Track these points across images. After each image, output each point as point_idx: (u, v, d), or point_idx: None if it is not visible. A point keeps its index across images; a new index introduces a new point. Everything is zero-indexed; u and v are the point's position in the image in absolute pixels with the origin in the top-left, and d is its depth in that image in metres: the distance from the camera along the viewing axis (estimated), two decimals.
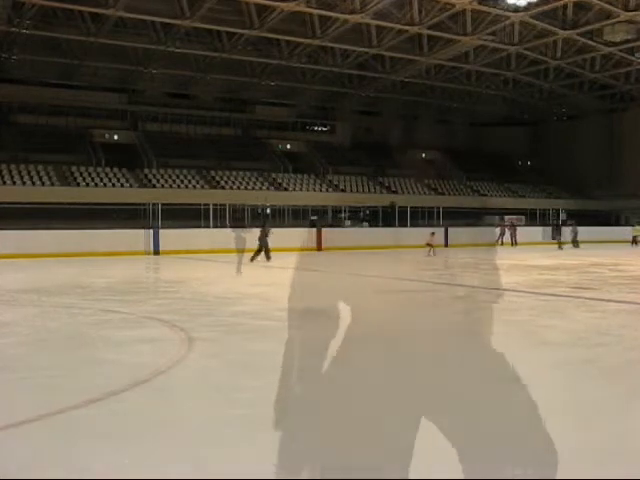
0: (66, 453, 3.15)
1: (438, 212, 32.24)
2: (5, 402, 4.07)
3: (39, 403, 3.95)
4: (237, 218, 25.49)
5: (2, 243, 20.29)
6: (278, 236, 18.89)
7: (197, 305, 8.69)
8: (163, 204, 25.67)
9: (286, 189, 34.85)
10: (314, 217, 29.84)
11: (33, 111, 34.87)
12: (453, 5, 26.38)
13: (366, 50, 31.34)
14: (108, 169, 32.00)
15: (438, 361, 5.28)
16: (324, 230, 27.44)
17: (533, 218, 35.22)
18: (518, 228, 30.59)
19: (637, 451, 3.18)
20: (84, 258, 20.17)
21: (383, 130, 45.19)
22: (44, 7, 25.54)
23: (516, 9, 26.65)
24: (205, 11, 25.80)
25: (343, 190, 36.61)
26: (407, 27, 28.31)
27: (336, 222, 31.16)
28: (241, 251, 16.71)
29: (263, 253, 18.29)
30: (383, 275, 14.00)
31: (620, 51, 31.70)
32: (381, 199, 35.29)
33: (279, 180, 35.86)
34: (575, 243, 29.17)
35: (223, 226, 25.86)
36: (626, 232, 36.37)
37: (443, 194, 39.49)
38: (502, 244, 29.75)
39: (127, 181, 31.56)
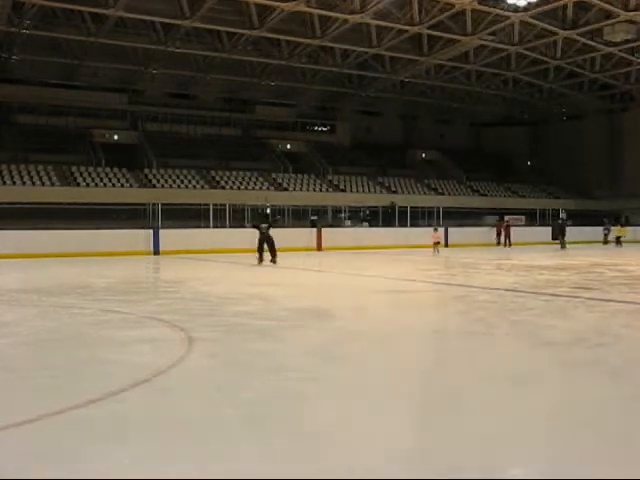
0: (66, 453, 3.16)
1: (438, 212, 32.23)
2: (5, 402, 4.07)
3: (39, 403, 3.95)
4: (259, 215, 24.75)
5: (2, 243, 20.29)
6: (278, 236, 18.89)
7: (197, 305, 8.69)
8: (163, 204, 25.67)
9: (286, 189, 34.87)
10: (314, 217, 29.84)
11: (33, 111, 34.90)
12: (453, 5, 26.39)
13: (366, 50, 31.36)
14: (108, 169, 32.02)
15: (438, 361, 5.29)
16: (324, 230, 27.44)
17: (533, 218, 35.21)
18: (512, 228, 30.50)
19: (637, 451, 3.18)
20: (84, 258, 20.18)
21: (383, 130, 45.22)
22: (44, 7, 25.57)
23: (516, 9, 26.67)
24: (205, 11, 25.82)
25: (343, 190, 36.64)
26: (407, 27, 28.33)
27: (336, 222, 31.16)
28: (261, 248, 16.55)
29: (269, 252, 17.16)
30: (383, 275, 14.00)
31: (620, 51, 31.72)
32: (381, 199, 35.31)
33: (279, 180, 35.88)
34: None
35: (223, 226, 25.87)
36: (628, 232, 36.39)
37: (443, 194, 39.50)
38: (498, 244, 29.75)
39: (127, 181, 31.58)
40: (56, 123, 35.13)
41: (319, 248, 26.60)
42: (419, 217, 31.51)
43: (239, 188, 33.53)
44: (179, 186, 32.44)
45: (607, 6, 26.45)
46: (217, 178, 34.32)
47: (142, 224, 25.27)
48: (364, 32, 29.70)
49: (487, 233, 31.31)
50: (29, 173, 29.69)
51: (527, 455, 3.17)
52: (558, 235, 27.88)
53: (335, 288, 11.57)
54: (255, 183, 34.75)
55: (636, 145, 41.51)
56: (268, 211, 28.54)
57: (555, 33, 29.55)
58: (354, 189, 37.13)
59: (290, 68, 34.69)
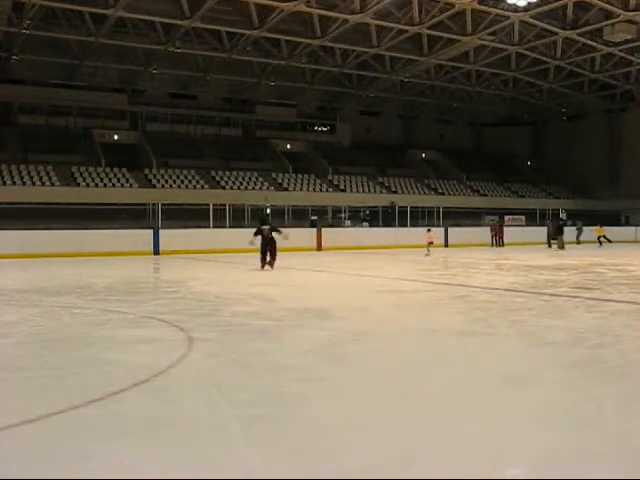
0: (66, 453, 3.16)
1: (438, 212, 32.24)
2: (5, 402, 4.07)
3: (39, 403, 3.95)
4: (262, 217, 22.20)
5: (2, 243, 20.30)
6: (278, 235, 18.87)
7: (197, 305, 8.69)
8: (163, 204, 25.69)
9: (286, 189, 34.89)
10: (314, 217, 29.85)
11: (33, 111, 34.93)
12: (453, 5, 26.40)
13: (366, 50, 31.37)
14: (109, 169, 32.04)
15: (438, 361, 5.29)
16: (324, 230, 27.45)
17: (533, 218, 35.22)
18: (511, 228, 30.45)
19: (637, 451, 3.19)
20: (84, 258, 20.18)
21: (383, 130, 45.23)
22: (44, 7, 25.57)
23: (516, 9, 26.67)
24: (205, 11, 25.82)
25: (343, 190, 36.65)
26: (407, 27, 28.34)
27: (336, 222, 31.17)
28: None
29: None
30: (383, 275, 14.00)
31: (620, 51, 31.71)
32: (381, 199, 35.33)
33: (279, 180, 35.89)
34: (551, 244, 28.86)
35: (223, 226, 25.89)
36: (629, 232, 36.43)
37: (443, 194, 39.51)
38: (493, 244, 29.67)
39: (127, 181, 31.59)
40: (56, 123, 35.15)
41: (319, 248, 26.61)
42: (419, 217, 31.52)
43: (239, 188, 33.54)
44: (179, 186, 32.45)
45: (607, 6, 26.45)
46: (217, 178, 34.33)
47: (142, 224, 25.30)
48: (364, 32, 29.71)
49: (487, 233, 31.32)
50: (29, 173, 29.70)
51: (527, 455, 3.17)
52: (556, 235, 27.82)
53: (335, 288, 11.57)
54: (255, 183, 34.75)
55: (636, 145, 41.52)
56: (268, 211, 28.55)
57: (555, 33, 29.56)
58: (354, 189, 37.14)
59: (290, 68, 34.70)
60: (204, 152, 37.77)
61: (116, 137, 35.95)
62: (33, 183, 29.06)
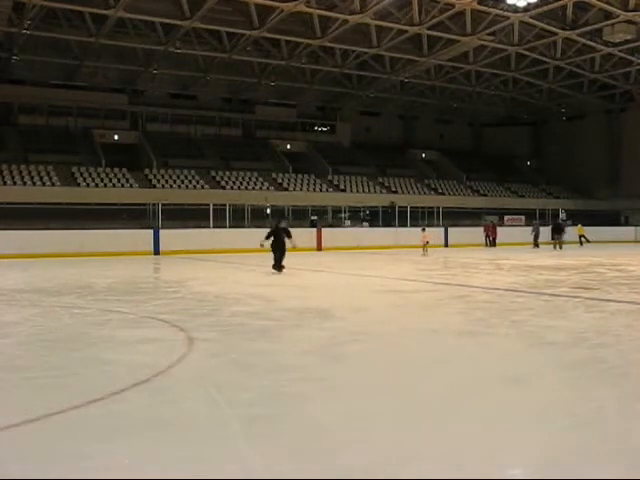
0: (66, 453, 3.16)
1: (438, 212, 32.24)
2: (5, 402, 4.08)
3: (39, 403, 3.95)
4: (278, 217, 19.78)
5: (2, 243, 20.31)
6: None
7: (197, 305, 8.69)
8: (164, 204, 25.70)
9: (286, 189, 34.88)
10: (314, 217, 29.86)
11: (33, 111, 34.92)
12: (453, 5, 26.39)
13: (366, 50, 31.36)
14: (109, 169, 32.03)
15: (438, 361, 5.30)
16: (324, 230, 27.45)
17: (533, 218, 35.21)
18: (509, 228, 30.35)
19: (637, 451, 3.19)
20: (84, 258, 20.19)
21: (383, 130, 45.23)
22: (45, 7, 25.54)
23: (516, 9, 26.65)
24: (205, 11, 25.80)
25: (343, 190, 36.64)
26: (407, 27, 28.32)
27: (336, 222, 31.17)
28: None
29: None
30: (383, 275, 14.00)
31: (620, 51, 31.70)
32: (381, 199, 35.33)
33: (279, 180, 35.89)
34: (536, 244, 28.74)
35: (223, 226, 25.90)
36: (629, 232, 36.43)
37: (443, 194, 39.51)
38: (486, 245, 29.52)
39: (127, 181, 31.58)
40: (57, 123, 35.15)
41: (319, 248, 26.61)
42: (419, 217, 31.52)
43: (239, 188, 33.53)
44: (179, 186, 32.45)
45: (607, 6, 26.43)
46: (217, 178, 34.33)
47: (142, 224, 25.31)
48: (364, 32, 29.69)
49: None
50: (29, 173, 29.69)
51: (527, 455, 3.17)
52: (555, 235, 27.79)
53: (335, 288, 11.57)
54: (255, 183, 34.75)
55: (636, 145, 41.50)
56: (268, 211, 28.51)
57: (555, 33, 29.54)
58: (354, 189, 37.14)
59: (290, 68, 34.69)
60: (204, 152, 37.77)
61: (116, 137, 35.94)
62: (33, 183, 29.05)
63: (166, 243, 23.27)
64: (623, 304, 8.56)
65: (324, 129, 43.98)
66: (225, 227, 26.00)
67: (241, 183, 34.35)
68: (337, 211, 32.31)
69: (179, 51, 30.75)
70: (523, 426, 3.57)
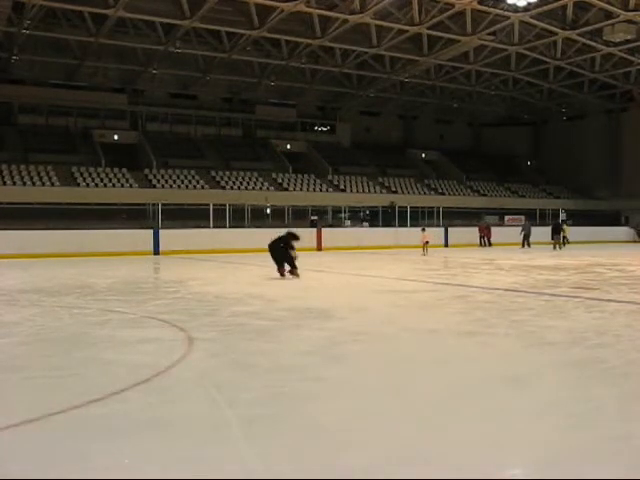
0: (66, 453, 3.16)
1: (438, 212, 32.24)
2: (5, 402, 4.08)
3: (39, 403, 3.95)
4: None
5: (2, 243, 20.31)
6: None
7: (197, 305, 8.69)
8: (163, 204, 25.70)
9: (286, 189, 34.89)
10: (314, 217, 29.85)
11: (34, 111, 34.93)
12: (453, 5, 26.40)
13: (366, 50, 31.38)
14: (109, 169, 32.04)
15: (438, 361, 5.30)
16: (324, 230, 27.46)
17: (533, 218, 35.23)
18: (507, 228, 30.26)
19: (637, 451, 3.19)
20: (84, 258, 20.19)
21: (383, 130, 45.24)
22: (44, 7, 25.56)
23: (516, 9, 26.67)
24: (205, 11, 25.82)
25: (343, 190, 36.65)
26: (407, 27, 28.34)
27: (336, 222, 31.17)
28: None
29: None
30: (383, 275, 14.00)
31: (620, 51, 31.70)
32: (381, 199, 35.33)
33: (279, 180, 35.88)
34: (527, 244, 28.61)
35: (223, 226, 25.90)
36: (629, 232, 36.41)
37: (443, 194, 39.51)
38: (480, 245, 29.41)
39: (127, 181, 31.59)
40: (56, 123, 35.16)
41: (319, 248, 26.62)
42: (419, 217, 31.52)
43: (239, 188, 33.53)
44: (179, 186, 32.45)
45: (607, 6, 26.44)
46: (217, 178, 34.33)
47: (142, 224, 25.31)
48: (364, 32, 29.71)
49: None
50: (29, 173, 29.70)
51: (527, 455, 3.17)
52: (554, 235, 27.75)
53: (335, 288, 11.57)
54: (255, 183, 34.75)
55: (636, 145, 41.51)
56: (268, 212, 28.44)
57: (555, 33, 29.55)
58: (354, 189, 37.14)
59: (290, 68, 34.71)
60: (204, 152, 37.78)
61: (116, 137, 35.94)
62: (33, 183, 29.05)
63: (166, 243, 23.26)
64: (623, 304, 8.56)
65: (324, 129, 43.98)
66: (225, 227, 26.00)
67: (241, 183, 34.35)
68: (337, 211, 32.31)
69: (179, 51, 30.76)
70: (523, 426, 3.57)
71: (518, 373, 4.79)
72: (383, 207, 33.07)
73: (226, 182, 34.03)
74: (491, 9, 26.90)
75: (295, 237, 13.21)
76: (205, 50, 31.44)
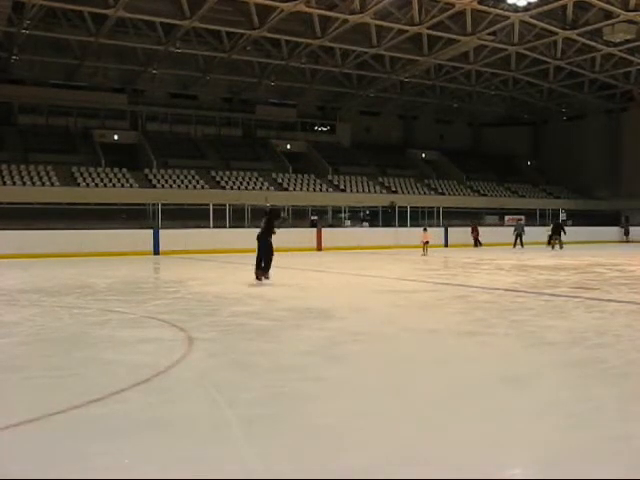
0: (66, 453, 3.16)
1: (438, 212, 32.24)
2: (5, 402, 4.08)
3: (39, 403, 3.96)
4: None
5: (2, 243, 20.32)
6: (278, 236, 18.88)
7: (197, 305, 8.69)
8: (163, 204, 25.70)
9: (286, 189, 34.88)
10: (314, 217, 29.85)
11: (33, 111, 34.92)
12: (453, 5, 26.40)
13: (366, 50, 31.38)
14: (109, 169, 32.03)
15: (438, 361, 5.30)
16: (324, 230, 27.46)
17: (533, 218, 35.23)
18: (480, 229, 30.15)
19: (637, 451, 3.19)
20: (84, 258, 20.19)
21: (383, 130, 45.23)
22: (44, 7, 25.56)
23: (516, 9, 26.67)
24: (205, 11, 25.82)
25: (343, 190, 36.64)
26: (407, 27, 28.34)
27: (336, 222, 31.17)
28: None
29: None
30: (383, 275, 14.00)
31: (620, 51, 31.70)
32: (381, 199, 35.33)
33: (279, 180, 35.88)
34: (520, 243, 28.53)
35: (223, 226, 25.89)
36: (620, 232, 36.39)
37: (443, 194, 39.51)
38: (479, 245, 29.24)
39: (127, 181, 31.58)
40: (56, 123, 35.15)
41: (319, 248, 26.62)
42: (419, 217, 31.52)
43: (239, 188, 33.53)
44: (179, 186, 32.45)
45: (607, 6, 26.44)
46: (217, 178, 34.33)
47: (142, 224, 25.31)
48: (364, 32, 29.70)
49: (487, 233, 31.30)
50: (29, 173, 29.69)
51: (527, 455, 3.17)
52: (554, 235, 27.71)
53: (335, 288, 11.57)
54: (255, 183, 34.76)
55: (636, 145, 41.52)
56: (269, 206, 28.35)
57: (555, 33, 29.55)
58: (354, 189, 37.14)
59: (290, 68, 34.71)
60: (204, 152, 37.77)
61: (116, 137, 35.93)
62: (33, 183, 29.05)
63: (166, 243, 23.27)
64: (623, 304, 8.56)
65: (324, 129, 43.98)
66: (225, 227, 26.00)
67: (241, 183, 34.35)
68: (337, 211, 32.31)
69: (179, 51, 30.76)
70: (523, 426, 3.57)
71: (518, 373, 4.79)
72: (383, 207, 33.07)
73: (226, 182, 34.03)
74: (491, 9, 26.90)
75: (277, 216, 12.56)
76: (205, 50, 31.44)
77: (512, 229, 29.87)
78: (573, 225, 35.40)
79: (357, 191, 36.94)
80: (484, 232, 30.77)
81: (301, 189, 35.32)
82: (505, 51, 32.47)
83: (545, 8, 26.78)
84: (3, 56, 31.00)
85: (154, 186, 31.60)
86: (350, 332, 6.48)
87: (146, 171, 32.98)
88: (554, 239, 27.35)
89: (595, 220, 37.82)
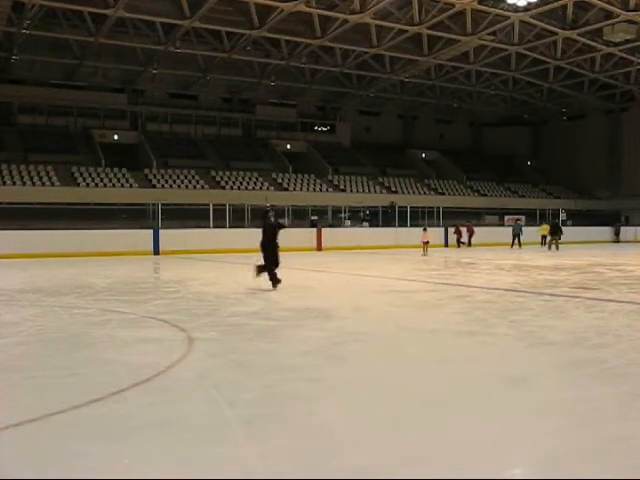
0: (66, 453, 3.16)
1: (438, 212, 32.23)
2: (5, 402, 4.07)
3: (39, 403, 3.95)
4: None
5: (2, 243, 20.30)
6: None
7: (197, 305, 8.69)
8: (163, 204, 25.69)
9: (286, 189, 34.88)
10: (314, 217, 29.84)
11: (33, 111, 34.91)
12: (453, 5, 26.39)
13: (366, 50, 31.37)
14: (108, 169, 32.02)
15: (438, 361, 5.30)
16: (324, 230, 27.45)
17: (533, 218, 35.22)
18: (475, 229, 30.07)
19: (637, 451, 3.19)
20: (84, 258, 20.18)
21: (383, 130, 45.23)
22: (44, 7, 25.55)
23: (516, 9, 26.66)
24: (205, 11, 25.81)
25: (343, 190, 36.64)
26: (407, 27, 28.33)
27: (336, 222, 31.16)
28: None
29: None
30: (383, 275, 14.00)
31: (620, 51, 31.70)
32: (381, 199, 35.31)
33: (280, 180, 35.88)
34: (518, 243, 28.48)
35: (223, 226, 25.88)
36: (629, 232, 36.40)
37: (443, 194, 39.50)
38: (463, 245, 29.07)
39: (127, 181, 31.58)
40: (56, 123, 35.14)
41: (319, 248, 26.62)
42: (419, 217, 31.50)
43: (239, 188, 33.52)
44: (179, 186, 32.44)
45: (607, 6, 26.43)
46: (217, 178, 34.32)
47: (142, 224, 25.29)
48: (364, 32, 29.69)
49: (487, 233, 31.29)
50: (29, 173, 29.69)
51: (527, 455, 3.17)
52: (553, 235, 27.66)
53: (335, 288, 11.57)
54: (255, 183, 34.75)
55: (636, 145, 41.51)
56: (268, 206, 28.34)
57: (555, 33, 29.54)
58: (354, 189, 37.14)
59: (290, 68, 34.70)
60: (204, 152, 37.76)
61: (116, 137, 35.91)
62: (33, 183, 29.04)
63: (166, 243, 23.25)
64: (623, 304, 8.56)
65: (324, 129, 43.97)
66: (225, 227, 25.99)
67: (241, 183, 34.35)
68: (337, 211, 32.30)
69: (179, 51, 30.75)
70: (523, 426, 3.57)
71: (518, 373, 4.79)
72: (383, 207, 33.06)
73: (226, 182, 34.02)
74: (491, 9, 26.89)
75: (282, 227, 11.62)
76: (205, 50, 31.43)
77: (510, 229, 29.84)
78: (573, 225, 35.39)
79: (357, 191, 36.93)
80: (485, 232, 30.74)
81: (301, 189, 35.31)
82: (505, 51, 32.47)
83: (545, 8, 26.77)
84: (3, 56, 30.99)
85: (154, 186, 31.60)
86: (350, 332, 6.48)
87: (146, 171, 32.97)
88: (553, 239, 27.33)
89: (595, 220, 37.81)
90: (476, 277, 13.36)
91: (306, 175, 37.14)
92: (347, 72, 35.89)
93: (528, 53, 32.59)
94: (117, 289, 10.92)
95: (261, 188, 34.16)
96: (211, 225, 25.69)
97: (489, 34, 29.38)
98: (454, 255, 22.52)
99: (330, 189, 36.38)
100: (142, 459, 3.08)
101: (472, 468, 2.96)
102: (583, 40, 30.47)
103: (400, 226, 30.06)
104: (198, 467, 2.93)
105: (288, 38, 29.89)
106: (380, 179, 39.55)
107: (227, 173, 35.05)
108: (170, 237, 23.65)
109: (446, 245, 29.67)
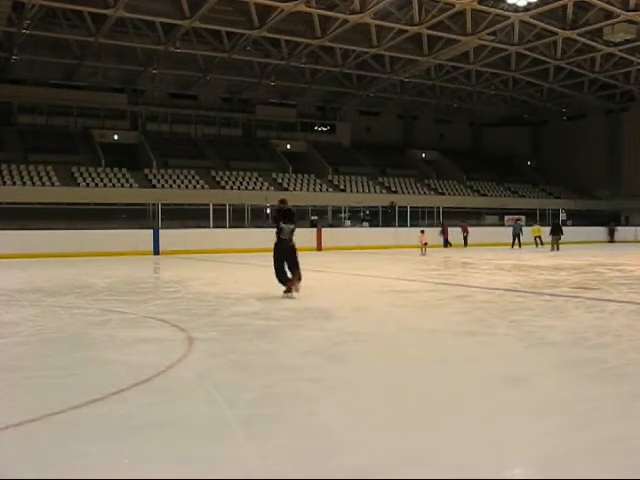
0: (66, 453, 3.16)
1: (438, 212, 32.23)
2: (5, 402, 4.07)
3: (39, 403, 3.95)
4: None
5: (2, 243, 20.30)
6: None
7: (197, 305, 8.69)
8: (163, 204, 25.68)
9: (286, 189, 34.86)
10: (314, 217, 29.84)
11: (33, 111, 34.90)
12: (453, 5, 26.38)
13: (366, 50, 31.37)
14: (108, 169, 32.02)
15: (438, 361, 5.30)
16: (324, 230, 27.45)
17: (533, 218, 35.21)
18: (469, 228, 30.06)
19: (637, 451, 3.19)
20: (84, 258, 20.18)
21: (383, 130, 45.22)
22: (44, 7, 25.55)
23: (516, 9, 26.66)
24: (205, 11, 25.81)
25: (343, 190, 36.64)
26: (407, 27, 28.33)
27: (336, 222, 31.16)
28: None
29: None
30: (383, 275, 14.00)
31: (620, 51, 31.69)
32: (381, 199, 35.31)
33: (279, 180, 35.88)
34: (518, 244, 28.49)
35: (223, 226, 25.88)
36: (629, 232, 36.40)
37: (443, 194, 39.49)
38: (449, 245, 29.01)
39: (127, 181, 31.57)
40: (56, 123, 35.13)
41: (319, 248, 26.62)
42: (419, 217, 31.50)
43: (239, 188, 33.52)
44: (179, 186, 32.44)
45: (607, 6, 26.43)
46: (217, 178, 34.32)
47: (142, 224, 25.29)
48: (364, 32, 29.69)
49: (486, 233, 31.28)
50: (29, 173, 29.68)
51: (527, 455, 3.17)
52: (553, 235, 27.64)
53: (335, 288, 11.57)
54: (255, 183, 34.75)
55: (636, 145, 41.50)
56: (268, 212, 28.37)
57: (555, 33, 29.54)
58: (354, 189, 37.13)
59: (290, 68, 34.70)
60: (204, 152, 37.76)
61: (116, 137, 35.91)
62: (33, 183, 29.04)
63: (166, 243, 23.25)
64: (623, 304, 8.56)
65: (324, 129, 43.96)
66: (225, 227, 25.99)
67: (241, 183, 34.35)
68: (337, 211, 32.30)
69: (179, 51, 30.75)
70: (523, 426, 3.57)
71: (518, 373, 4.79)
72: (383, 207, 33.05)
73: (226, 182, 34.02)
74: (491, 9, 26.88)
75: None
76: (205, 50, 31.42)
77: (510, 229, 29.83)
78: (573, 225, 35.38)
79: (357, 191, 36.93)
80: (485, 232, 30.73)
81: (301, 189, 35.30)
82: (505, 51, 32.47)
83: (545, 8, 26.77)
84: (3, 56, 30.99)
85: (154, 186, 31.59)
86: (350, 332, 6.48)
87: (146, 171, 32.97)
88: (553, 240, 27.32)
89: (595, 220, 37.81)
90: (476, 277, 13.36)
91: (306, 175, 37.14)
92: (347, 72, 35.88)
93: (528, 53, 32.58)
94: (117, 289, 10.92)
95: (261, 188, 34.16)
96: (211, 225, 25.68)
97: (489, 34, 29.38)
98: (454, 255, 22.52)
99: (330, 189, 36.38)
100: (142, 459, 3.08)
101: (472, 468, 2.96)
102: (583, 40, 30.47)
103: (400, 226, 30.06)
104: (198, 467, 2.93)
105: (288, 38, 29.89)
106: (380, 179, 39.54)
107: (227, 173, 35.05)
108: (170, 237, 23.64)
109: (445, 245, 29.67)
